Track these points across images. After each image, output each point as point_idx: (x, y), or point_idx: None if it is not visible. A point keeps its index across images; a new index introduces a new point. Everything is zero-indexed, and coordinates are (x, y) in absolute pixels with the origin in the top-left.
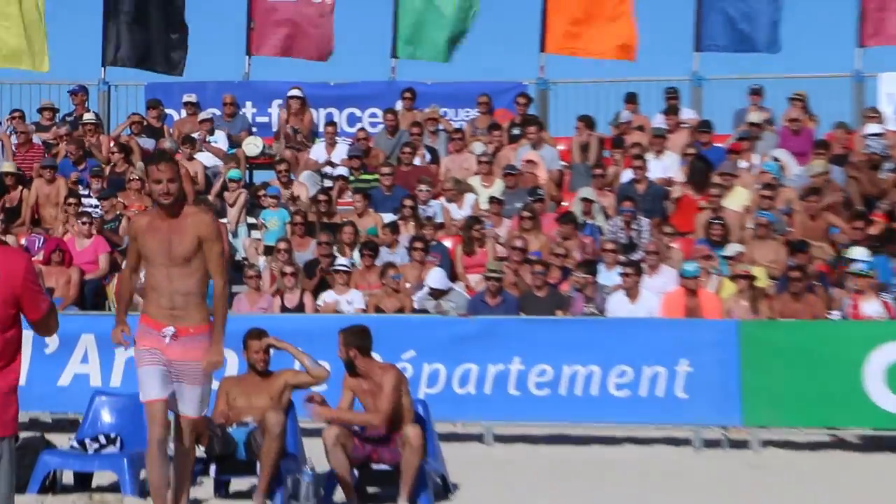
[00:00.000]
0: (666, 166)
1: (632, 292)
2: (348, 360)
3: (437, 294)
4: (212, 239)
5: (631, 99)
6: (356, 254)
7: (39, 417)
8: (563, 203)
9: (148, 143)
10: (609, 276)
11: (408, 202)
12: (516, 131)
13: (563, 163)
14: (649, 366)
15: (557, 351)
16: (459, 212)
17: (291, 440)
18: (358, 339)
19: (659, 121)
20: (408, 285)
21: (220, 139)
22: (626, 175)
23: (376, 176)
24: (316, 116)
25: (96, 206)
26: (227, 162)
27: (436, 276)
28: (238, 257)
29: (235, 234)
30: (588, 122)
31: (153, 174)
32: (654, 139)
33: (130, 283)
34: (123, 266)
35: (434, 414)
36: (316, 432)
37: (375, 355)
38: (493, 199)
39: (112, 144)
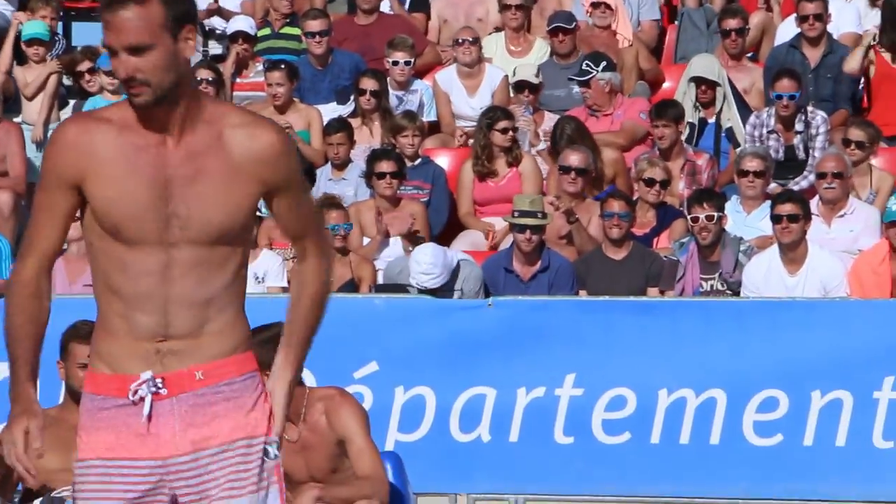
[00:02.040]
0: (862, 12)
1: (791, 251)
2: None
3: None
4: (289, 186)
5: None
6: None
7: None
8: (662, 85)
9: None
10: (747, 221)
11: (368, 83)
12: None
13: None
14: (823, 391)
15: (648, 362)
16: (469, 102)
17: None
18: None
19: None
20: (366, 241)
21: None
22: (785, 30)
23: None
24: None
25: None
26: (22, 8)
27: (404, 231)
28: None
29: (40, 146)
30: None
31: (105, 33)
32: None
33: (40, 300)
34: (19, 259)
35: (416, 480)
36: None
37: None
38: (523, 84)
39: None
